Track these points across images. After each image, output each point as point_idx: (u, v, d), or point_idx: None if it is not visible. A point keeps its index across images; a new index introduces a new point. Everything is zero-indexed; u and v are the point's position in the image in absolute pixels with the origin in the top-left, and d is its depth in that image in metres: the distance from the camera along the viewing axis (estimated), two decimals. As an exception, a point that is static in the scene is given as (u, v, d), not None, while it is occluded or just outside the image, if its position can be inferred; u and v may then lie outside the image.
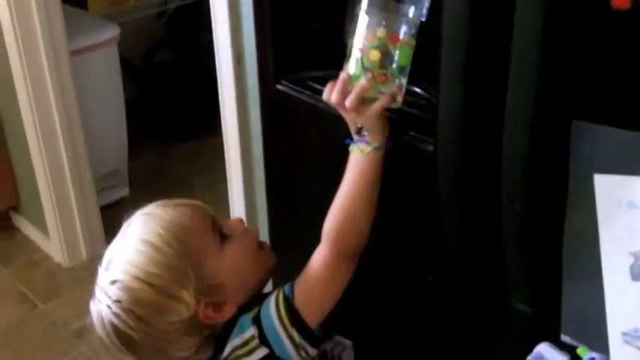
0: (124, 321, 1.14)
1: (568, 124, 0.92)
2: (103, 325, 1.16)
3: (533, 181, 0.96)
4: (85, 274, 2.79)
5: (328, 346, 1.39)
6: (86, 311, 2.56)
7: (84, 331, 2.51)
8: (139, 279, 1.14)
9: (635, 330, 0.98)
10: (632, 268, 0.96)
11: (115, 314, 1.14)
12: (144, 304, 1.14)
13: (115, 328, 1.15)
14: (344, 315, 1.24)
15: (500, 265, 1.07)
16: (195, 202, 1.25)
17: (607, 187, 0.95)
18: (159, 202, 1.23)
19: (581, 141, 0.94)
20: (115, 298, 1.14)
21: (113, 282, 1.15)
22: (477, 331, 1.19)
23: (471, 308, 1.18)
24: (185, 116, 3.55)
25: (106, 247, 2.89)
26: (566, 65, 0.89)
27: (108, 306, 1.15)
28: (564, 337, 1.06)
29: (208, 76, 3.43)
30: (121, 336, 1.15)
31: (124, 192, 3.17)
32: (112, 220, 2.96)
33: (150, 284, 1.13)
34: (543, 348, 1.09)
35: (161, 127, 3.63)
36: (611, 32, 0.86)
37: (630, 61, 0.86)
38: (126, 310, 1.14)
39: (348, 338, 1.38)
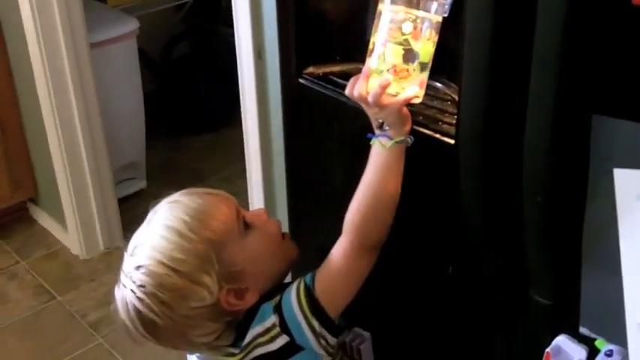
0: (147, 305, 1.15)
1: (589, 119, 0.93)
2: (127, 311, 1.18)
3: (554, 174, 0.97)
4: (103, 266, 2.82)
5: (347, 337, 1.40)
6: (103, 303, 2.61)
7: (101, 322, 2.55)
8: (163, 264, 1.15)
9: (653, 322, 0.99)
10: (650, 261, 0.96)
11: (139, 299, 1.16)
12: (168, 289, 1.15)
13: (138, 312, 1.17)
14: (363, 307, 1.25)
15: (520, 258, 1.08)
16: (220, 191, 1.28)
17: (626, 181, 0.95)
18: (185, 191, 1.25)
19: (602, 135, 0.94)
20: (139, 283, 1.16)
21: (138, 267, 1.17)
22: (496, 324, 1.20)
23: (490, 300, 1.19)
24: (202, 109, 3.57)
25: (123, 239, 2.93)
26: (587, 60, 0.90)
27: (132, 291, 1.17)
28: (583, 329, 1.07)
29: (226, 70, 3.46)
30: (144, 321, 1.17)
31: (142, 184, 3.19)
32: (129, 212, 2.99)
33: (174, 269, 1.15)
34: (562, 340, 1.10)
35: (178, 121, 3.65)
36: (632, 28, 0.87)
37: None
38: (150, 295, 1.15)
39: (367, 330, 1.40)
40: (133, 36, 2.96)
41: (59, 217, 2.91)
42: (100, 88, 2.68)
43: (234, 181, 3.14)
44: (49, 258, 2.89)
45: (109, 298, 2.65)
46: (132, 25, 2.94)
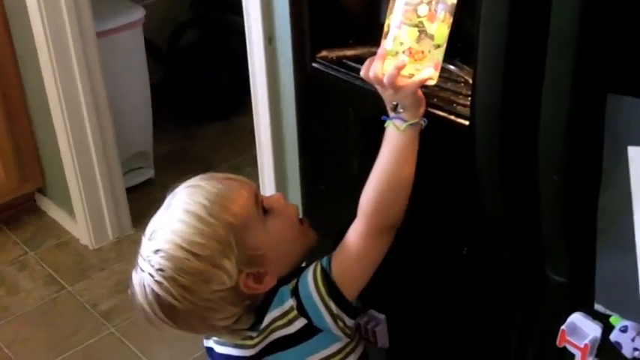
0: (166, 289, 1.16)
1: (605, 97, 0.94)
2: (145, 295, 1.18)
3: (571, 153, 0.98)
4: (113, 255, 2.84)
5: (362, 320, 1.42)
6: (114, 292, 2.62)
7: (113, 312, 2.56)
8: (183, 248, 1.15)
9: (668, 298, 1.00)
10: (665, 238, 0.98)
11: (158, 282, 1.16)
12: (187, 273, 1.15)
13: (157, 296, 1.17)
14: (378, 289, 1.26)
15: (535, 237, 1.09)
16: (240, 177, 1.28)
17: (641, 159, 0.97)
18: (204, 175, 1.25)
19: (617, 114, 0.95)
20: (158, 266, 1.16)
21: (157, 251, 1.17)
22: (512, 303, 1.21)
23: (506, 279, 1.20)
24: (210, 98, 3.57)
25: (132, 228, 2.92)
26: (603, 39, 0.90)
27: (150, 274, 1.17)
28: (597, 307, 1.07)
29: (233, 58, 3.47)
30: (163, 304, 1.17)
31: (150, 174, 3.19)
32: (137, 201, 3.01)
33: (194, 254, 1.15)
34: (577, 317, 1.12)
35: (186, 109, 3.65)
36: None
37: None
38: (169, 279, 1.15)
39: (382, 312, 1.41)
40: (139, 24, 2.96)
41: (68, 207, 2.91)
42: (107, 78, 2.67)
43: (244, 169, 3.14)
44: (58, 248, 2.90)
45: (119, 287, 2.69)
46: (138, 13, 2.94)
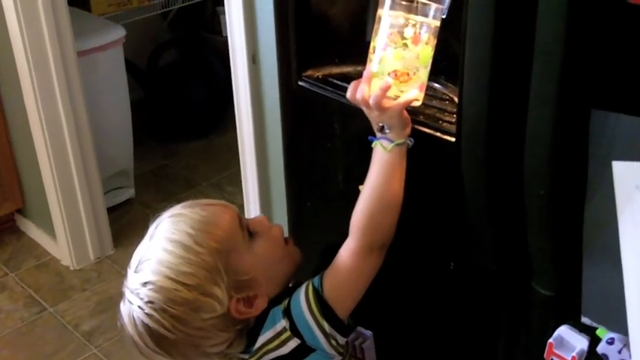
0: (157, 321, 1.15)
1: (589, 113, 0.96)
2: (135, 326, 1.18)
3: (556, 168, 1.00)
4: (94, 276, 2.82)
5: (350, 337, 1.42)
6: (96, 312, 2.60)
7: (95, 332, 2.54)
8: (171, 279, 1.15)
9: (654, 310, 1.02)
10: (650, 250, 0.99)
11: (149, 315, 1.16)
12: (178, 303, 1.15)
13: (148, 328, 1.17)
14: (365, 305, 1.26)
15: (522, 251, 1.10)
16: (221, 201, 1.28)
17: (625, 173, 0.98)
18: (186, 203, 1.25)
19: (601, 129, 0.97)
20: (147, 299, 1.16)
21: (145, 283, 1.17)
22: (499, 317, 1.22)
23: (493, 294, 1.21)
24: (190, 117, 3.58)
25: (113, 248, 2.90)
26: (588, 57, 0.92)
27: (140, 307, 1.16)
28: (584, 319, 1.09)
29: (213, 77, 3.48)
30: (154, 336, 1.17)
31: (130, 193, 3.19)
32: (118, 221, 3.00)
33: (182, 283, 1.15)
34: (564, 330, 1.13)
35: (165, 128, 3.66)
36: (630, 24, 0.90)
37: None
38: (159, 310, 1.15)
39: (369, 329, 1.41)
40: (119, 44, 2.96)
41: (48, 228, 2.90)
42: (87, 97, 2.67)
43: (225, 188, 3.15)
44: (38, 269, 2.88)
45: (101, 307, 2.67)
46: (118, 32, 2.95)
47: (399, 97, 1.13)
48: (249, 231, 1.25)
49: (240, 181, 1.99)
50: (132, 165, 3.19)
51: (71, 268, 2.86)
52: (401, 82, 1.12)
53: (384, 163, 1.19)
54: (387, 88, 1.12)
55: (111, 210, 2.99)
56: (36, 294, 2.75)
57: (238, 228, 1.23)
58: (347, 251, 1.23)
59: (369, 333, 1.42)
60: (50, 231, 2.89)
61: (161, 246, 1.18)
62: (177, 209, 1.24)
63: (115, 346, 2.46)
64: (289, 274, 1.31)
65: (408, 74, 1.12)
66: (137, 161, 3.23)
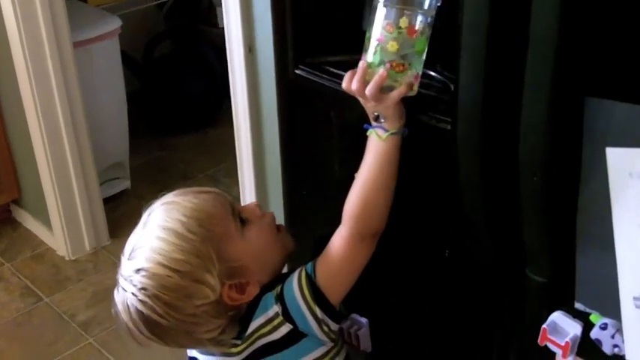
0: (151, 307, 1.16)
1: (583, 100, 0.97)
2: (129, 313, 1.18)
3: (551, 154, 1.01)
4: (90, 266, 2.82)
5: (345, 324, 1.43)
6: (92, 303, 2.61)
7: (91, 322, 2.55)
8: (164, 266, 1.16)
9: (646, 294, 1.03)
10: (643, 235, 1.00)
11: (142, 302, 1.16)
12: (170, 290, 1.16)
13: (141, 315, 1.17)
14: (360, 293, 1.27)
15: (516, 237, 1.11)
16: (213, 189, 1.29)
17: (618, 160, 0.99)
18: (178, 191, 1.26)
19: (595, 116, 0.98)
20: (140, 286, 1.17)
21: (138, 270, 1.17)
22: (494, 303, 1.23)
23: (487, 281, 1.22)
24: (186, 109, 3.57)
25: (109, 239, 2.91)
26: (582, 44, 0.93)
27: (134, 294, 1.17)
28: (578, 305, 1.10)
29: (208, 69, 3.48)
30: (148, 322, 1.18)
31: (126, 184, 3.19)
32: (113, 212, 3.00)
33: (175, 270, 1.16)
34: (557, 316, 1.14)
35: (161, 120, 3.65)
36: (623, 12, 0.91)
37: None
38: (153, 297, 1.16)
39: (364, 316, 1.42)
40: (115, 35, 2.96)
41: (44, 218, 2.90)
42: (83, 88, 2.67)
43: (221, 180, 3.15)
44: (34, 260, 2.88)
45: (97, 298, 2.68)
46: (114, 23, 2.94)
47: (394, 87, 1.14)
48: (241, 218, 1.26)
49: (236, 174, 2.00)
50: (127, 156, 3.19)
51: (67, 259, 2.87)
52: (397, 72, 1.13)
53: (378, 151, 1.20)
54: (382, 79, 1.13)
55: (107, 201, 2.99)
56: (32, 284, 2.75)
57: (230, 215, 1.24)
58: (339, 239, 1.24)
59: (364, 320, 1.43)
60: (46, 222, 2.89)
61: (154, 233, 1.19)
62: (169, 197, 1.24)
63: (111, 336, 2.47)
64: (281, 261, 1.32)
65: (403, 65, 1.13)
66: (133, 153, 3.23)
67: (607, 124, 0.98)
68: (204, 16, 3.69)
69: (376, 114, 1.19)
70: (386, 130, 1.19)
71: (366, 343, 1.45)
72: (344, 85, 1.19)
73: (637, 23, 0.91)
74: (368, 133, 1.22)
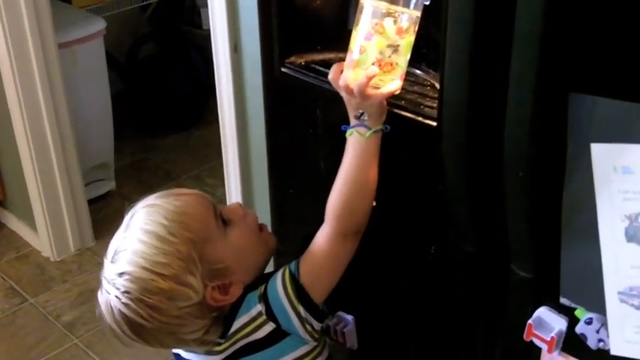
0: (134, 310, 1.16)
1: (567, 96, 0.98)
2: (113, 315, 1.18)
3: (535, 150, 1.01)
4: (74, 267, 2.82)
5: (331, 322, 1.44)
6: (77, 304, 2.60)
7: (76, 323, 2.55)
8: (146, 269, 1.16)
9: (630, 289, 1.03)
10: (627, 230, 1.00)
11: (125, 304, 1.16)
12: (153, 293, 1.16)
13: (125, 317, 1.17)
14: (346, 290, 1.28)
15: (501, 233, 1.12)
16: (194, 191, 1.28)
17: (603, 155, 0.99)
18: (160, 193, 1.25)
19: (579, 112, 0.99)
20: (123, 289, 1.16)
21: (121, 274, 1.17)
22: (479, 299, 1.24)
23: (472, 277, 1.23)
24: (170, 110, 3.57)
25: (94, 240, 2.90)
26: (566, 40, 0.94)
27: (117, 297, 1.17)
28: (563, 300, 1.11)
29: (192, 70, 3.48)
30: (132, 325, 1.18)
31: (111, 185, 3.19)
32: (98, 213, 3.00)
33: (158, 273, 1.16)
34: (543, 311, 1.14)
35: (146, 121, 3.65)
36: (607, 8, 0.92)
37: (623, 36, 0.92)
38: (135, 300, 1.16)
39: (351, 313, 1.43)
40: (100, 36, 2.96)
41: (29, 219, 2.89)
42: (68, 89, 2.67)
43: (205, 181, 3.15)
44: (19, 260, 2.88)
45: (82, 298, 2.67)
46: (99, 24, 2.95)
47: (379, 85, 1.15)
48: (223, 219, 1.26)
49: (221, 174, 2.00)
50: (112, 157, 3.19)
51: (52, 260, 2.86)
52: (384, 71, 1.14)
53: (360, 150, 1.20)
54: (372, 76, 1.13)
55: (91, 202, 3.00)
56: (17, 285, 2.75)
57: (212, 217, 1.24)
58: (322, 237, 1.25)
59: (350, 318, 1.43)
60: (31, 223, 2.89)
61: (136, 236, 1.19)
62: (151, 199, 1.24)
63: (96, 336, 2.47)
64: (264, 261, 1.32)
65: (391, 64, 1.14)
66: (117, 154, 3.24)
67: (591, 120, 0.99)
68: (188, 17, 3.69)
69: (360, 111, 1.19)
70: (368, 128, 1.19)
71: (352, 341, 1.45)
72: (330, 76, 1.19)
73: (620, 19, 0.92)
74: (347, 134, 1.22)
